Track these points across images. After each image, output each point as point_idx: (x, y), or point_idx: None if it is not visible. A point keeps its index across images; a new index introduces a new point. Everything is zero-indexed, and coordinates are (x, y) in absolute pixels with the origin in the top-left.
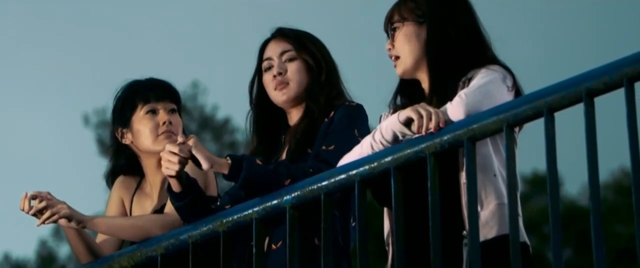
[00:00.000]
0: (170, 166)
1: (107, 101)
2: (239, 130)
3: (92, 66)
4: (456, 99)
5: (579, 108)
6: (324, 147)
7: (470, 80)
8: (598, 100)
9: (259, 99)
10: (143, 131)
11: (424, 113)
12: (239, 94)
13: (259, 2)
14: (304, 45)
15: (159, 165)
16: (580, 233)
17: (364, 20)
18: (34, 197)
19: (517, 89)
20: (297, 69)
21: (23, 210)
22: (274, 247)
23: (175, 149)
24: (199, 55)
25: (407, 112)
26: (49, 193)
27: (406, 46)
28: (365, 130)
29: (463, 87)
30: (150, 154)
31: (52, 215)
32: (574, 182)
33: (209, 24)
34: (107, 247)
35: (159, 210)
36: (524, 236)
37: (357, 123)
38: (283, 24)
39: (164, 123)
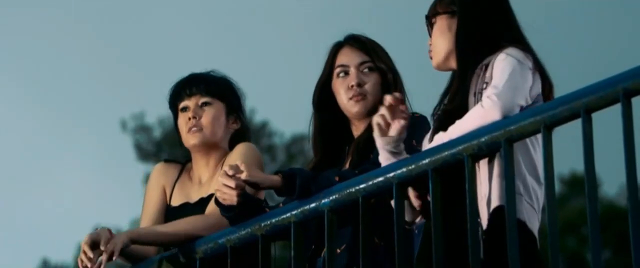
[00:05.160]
0: (227, 197)
1: (143, 106)
2: (276, 133)
3: (129, 70)
4: (487, 101)
5: (616, 108)
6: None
7: (487, 66)
8: (635, 100)
9: (326, 103)
10: (180, 129)
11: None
12: (276, 98)
13: (291, 6)
14: (380, 57)
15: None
16: (619, 234)
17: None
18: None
19: (540, 68)
20: (375, 81)
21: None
22: (338, 250)
23: (231, 183)
24: (236, 59)
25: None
26: (109, 231)
27: (439, 39)
28: None
29: (481, 75)
30: (193, 150)
31: (111, 255)
32: (612, 183)
33: (244, 29)
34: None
35: (206, 198)
36: (524, 216)
37: (416, 133)
38: (316, 30)
39: (189, 118)
